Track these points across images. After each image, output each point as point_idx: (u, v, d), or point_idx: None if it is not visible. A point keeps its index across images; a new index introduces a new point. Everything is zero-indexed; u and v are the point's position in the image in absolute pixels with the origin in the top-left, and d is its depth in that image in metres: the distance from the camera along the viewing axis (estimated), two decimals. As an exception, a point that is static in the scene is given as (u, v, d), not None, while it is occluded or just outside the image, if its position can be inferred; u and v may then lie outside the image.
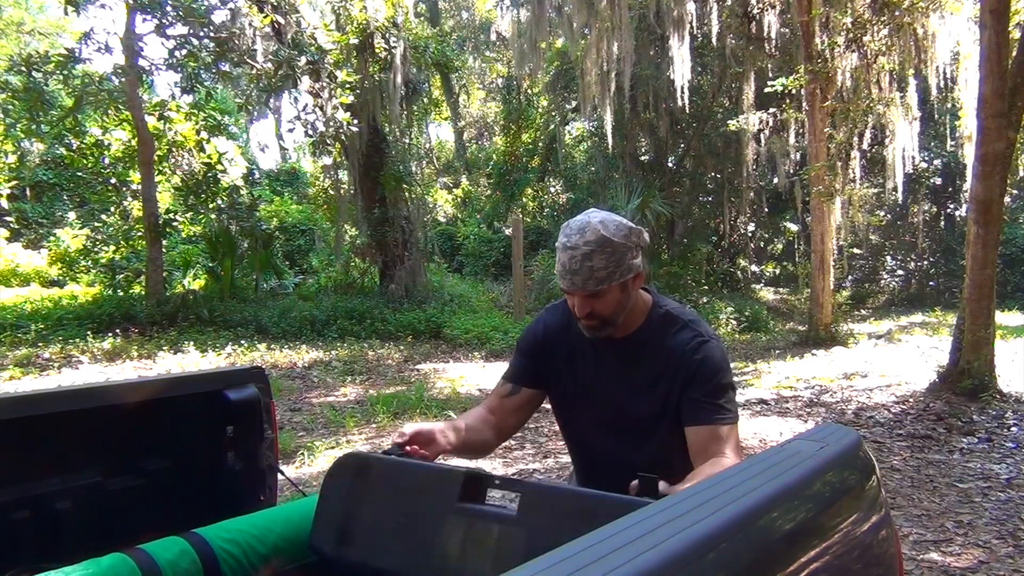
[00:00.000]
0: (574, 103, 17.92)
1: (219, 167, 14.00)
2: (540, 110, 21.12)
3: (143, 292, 12.77)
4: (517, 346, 1.87)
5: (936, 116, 17.08)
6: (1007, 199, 10.77)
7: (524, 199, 21.28)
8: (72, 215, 17.04)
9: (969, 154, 9.22)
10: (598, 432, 1.76)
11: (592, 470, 1.87)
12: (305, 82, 11.99)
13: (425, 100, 17.10)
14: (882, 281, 21.43)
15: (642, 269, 1.60)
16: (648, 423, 1.68)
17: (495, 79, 25.25)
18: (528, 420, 1.88)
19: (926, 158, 18.26)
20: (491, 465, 5.25)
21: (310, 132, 12.70)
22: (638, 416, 1.68)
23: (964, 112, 11.50)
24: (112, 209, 14.27)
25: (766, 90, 13.07)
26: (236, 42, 11.32)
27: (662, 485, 1.35)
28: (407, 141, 15.62)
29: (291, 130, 13.85)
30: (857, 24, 10.75)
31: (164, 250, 13.91)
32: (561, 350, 1.76)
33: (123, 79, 11.60)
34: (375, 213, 13.94)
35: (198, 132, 13.70)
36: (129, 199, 14.11)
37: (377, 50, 13.51)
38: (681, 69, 13.22)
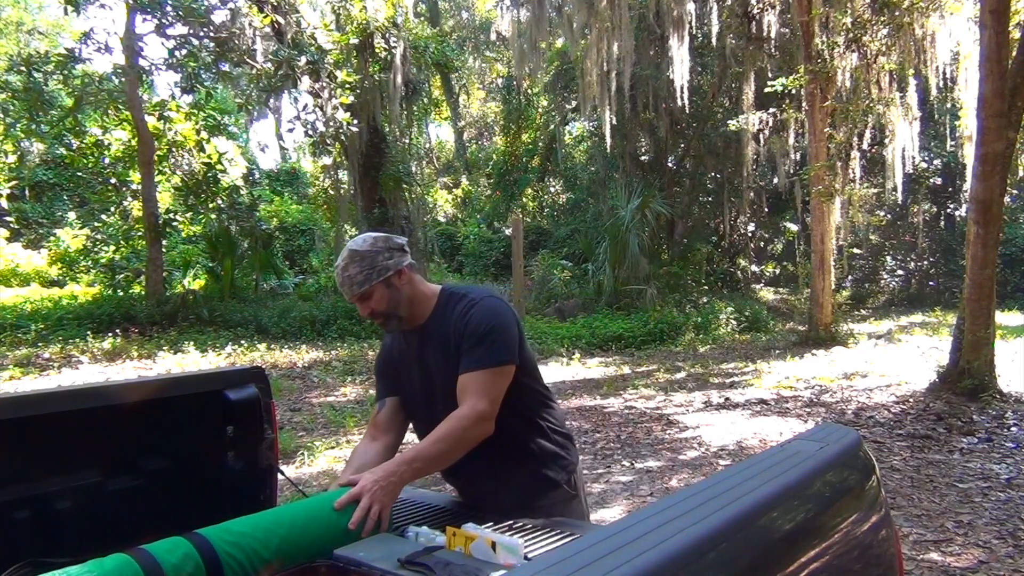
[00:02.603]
0: (574, 103, 17.91)
1: (219, 167, 13.99)
2: (540, 110, 21.11)
3: (143, 292, 12.77)
4: (375, 372, 2.13)
5: (936, 116, 17.07)
6: (1007, 199, 10.76)
7: (524, 199, 21.27)
8: (72, 215, 17.03)
9: (969, 154, 9.21)
10: (437, 419, 1.88)
11: None
12: (305, 82, 11.99)
13: (425, 100, 17.10)
14: (882, 281, 21.42)
15: (402, 265, 1.84)
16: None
17: (495, 79, 25.24)
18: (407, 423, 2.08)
19: (926, 158, 18.25)
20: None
21: (310, 132, 12.69)
22: (452, 389, 1.85)
23: (964, 112, 11.48)
24: (112, 209, 14.26)
25: (766, 90, 13.07)
26: (236, 42, 11.33)
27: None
28: (407, 141, 15.62)
29: (291, 130, 13.85)
30: (857, 24, 10.73)
31: (164, 250, 13.91)
32: (400, 360, 2.01)
33: (123, 79, 11.61)
34: (375, 213, 13.93)
35: (198, 132, 13.69)
36: (129, 199, 14.10)
37: (377, 50, 13.50)
38: (681, 69, 13.23)
